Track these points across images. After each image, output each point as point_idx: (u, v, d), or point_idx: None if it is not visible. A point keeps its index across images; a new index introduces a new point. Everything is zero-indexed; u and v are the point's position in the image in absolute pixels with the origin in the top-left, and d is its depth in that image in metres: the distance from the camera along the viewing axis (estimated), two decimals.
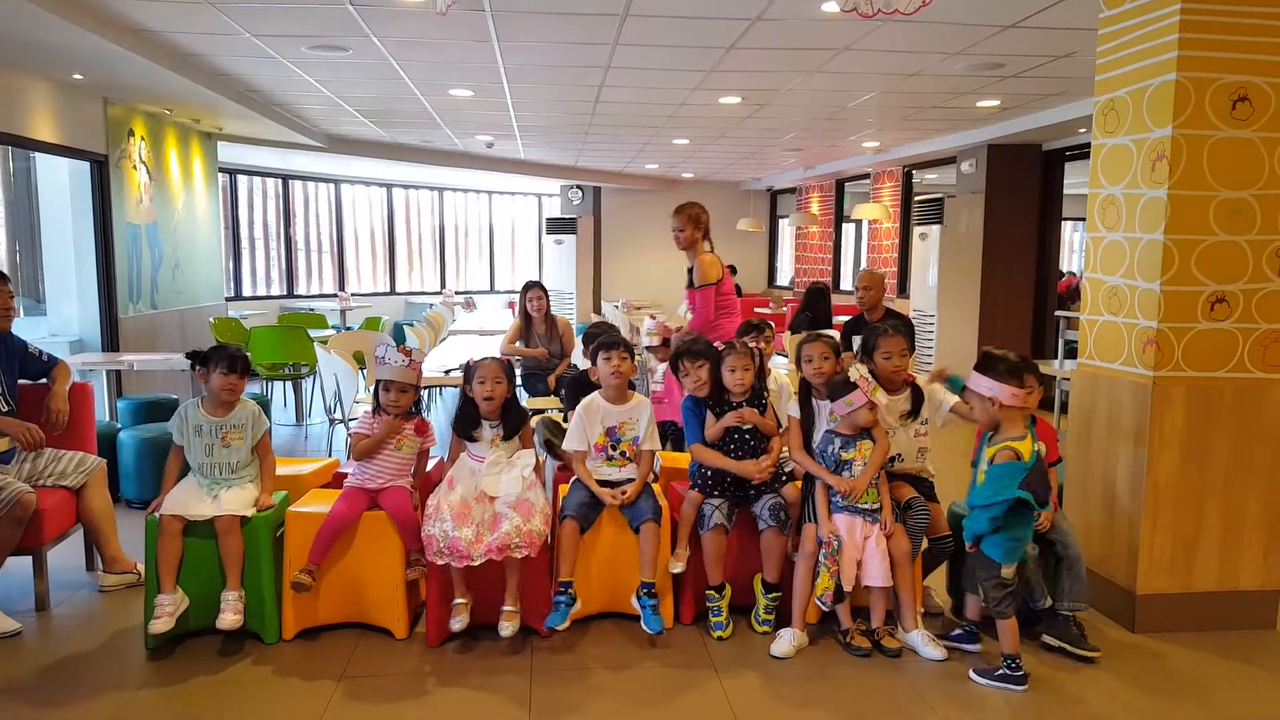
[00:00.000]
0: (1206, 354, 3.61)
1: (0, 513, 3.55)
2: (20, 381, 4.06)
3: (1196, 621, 3.71)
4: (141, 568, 3.97)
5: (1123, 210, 3.78)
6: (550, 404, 5.77)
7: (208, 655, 3.41)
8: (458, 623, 3.41)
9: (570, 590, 3.51)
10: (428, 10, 3.38)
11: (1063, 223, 9.35)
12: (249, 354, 3.70)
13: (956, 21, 4.98)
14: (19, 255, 8.08)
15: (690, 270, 5.43)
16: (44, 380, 4.13)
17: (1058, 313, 8.00)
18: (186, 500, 3.46)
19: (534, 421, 3.90)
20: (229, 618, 3.34)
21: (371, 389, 3.70)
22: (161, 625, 3.28)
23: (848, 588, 3.43)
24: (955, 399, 3.68)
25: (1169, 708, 3.13)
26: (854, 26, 5.07)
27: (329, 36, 5.56)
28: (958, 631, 3.54)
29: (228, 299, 11.00)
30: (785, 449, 3.84)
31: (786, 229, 15.54)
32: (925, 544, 3.70)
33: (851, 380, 3.46)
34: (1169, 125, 3.50)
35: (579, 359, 6.17)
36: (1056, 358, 7.48)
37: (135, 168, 7.81)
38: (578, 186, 15.45)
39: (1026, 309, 9.22)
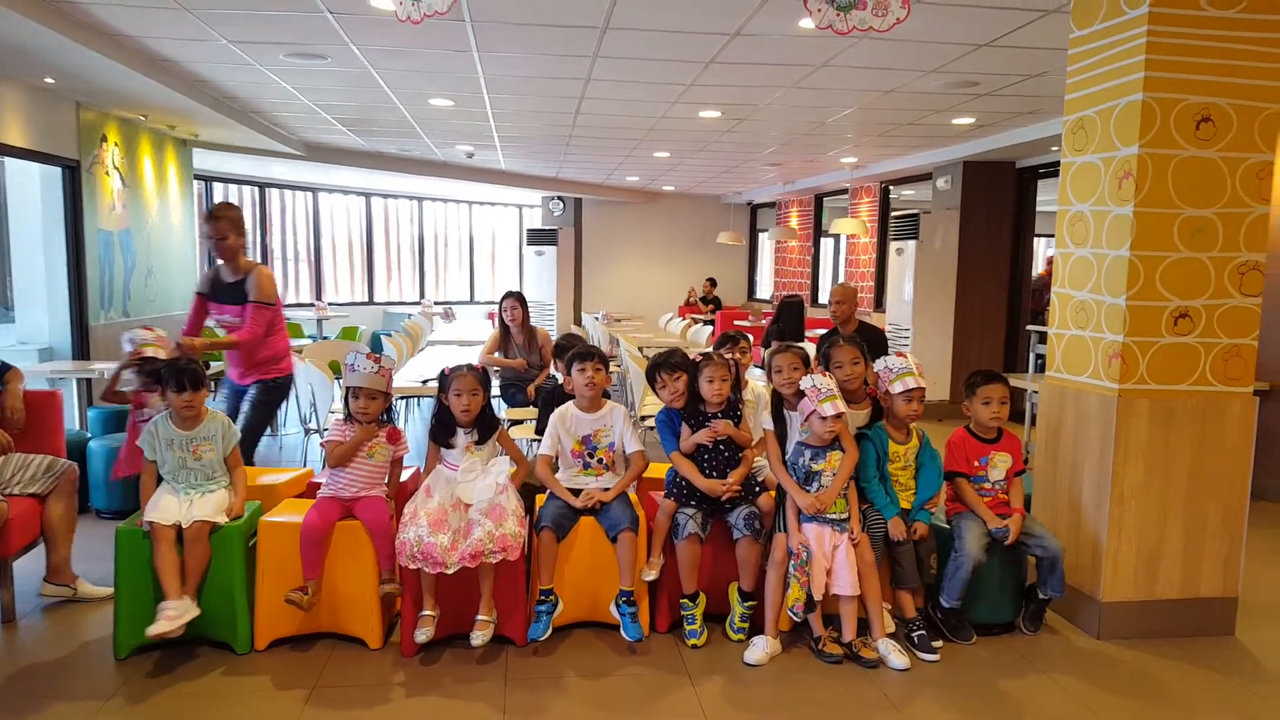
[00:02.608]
0: (1170, 367, 3.69)
1: None
2: None
3: (1159, 628, 3.79)
4: (80, 585, 3.99)
5: (1091, 227, 3.85)
6: (529, 414, 5.78)
7: (178, 666, 3.38)
8: (423, 634, 3.39)
9: (552, 597, 3.53)
10: (399, 19, 3.42)
11: (1036, 239, 9.48)
12: (198, 365, 3.69)
13: (931, 40, 5.06)
14: None
15: (237, 283, 4.59)
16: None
17: (1029, 327, 8.11)
18: (164, 507, 3.45)
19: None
20: (160, 626, 3.23)
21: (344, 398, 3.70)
22: (159, 627, 3.22)
23: (818, 597, 3.47)
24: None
25: (1131, 708, 3.19)
26: (830, 43, 5.14)
27: (307, 44, 5.57)
28: (916, 635, 3.61)
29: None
30: (761, 458, 3.89)
31: (766, 242, 15.66)
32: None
33: (802, 390, 3.53)
34: (1135, 144, 3.58)
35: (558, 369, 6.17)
36: (1028, 371, 7.57)
37: (108, 174, 7.76)
38: (559, 198, 15.49)
39: (1000, 323, 9.35)
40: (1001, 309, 9.33)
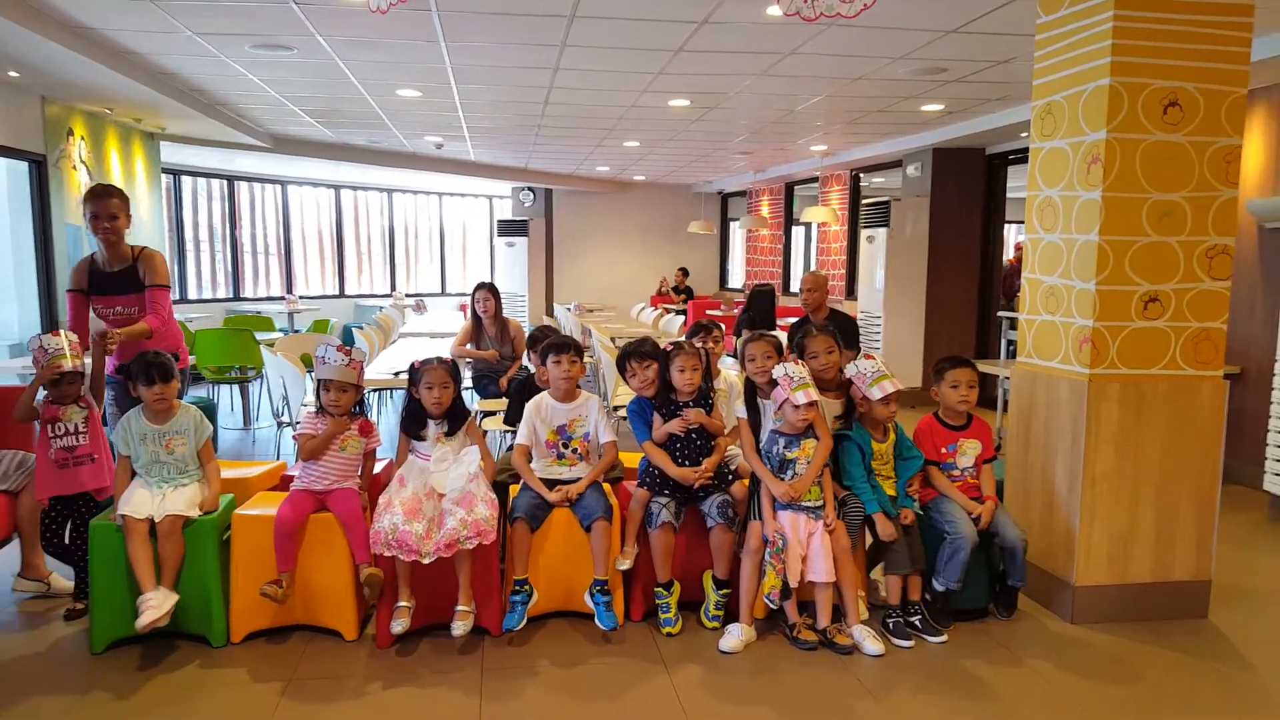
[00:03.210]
0: (1140, 352, 3.73)
1: None
2: None
3: (1132, 612, 3.83)
4: (54, 580, 3.97)
5: (1060, 212, 3.88)
6: (501, 405, 5.75)
7: (155, 659, 3.35)
8: (398, 625, 3.38)
9: (526, 587, 3.53)
10: (369, 9, 3.37)
11: (1006, 225, 9.56)
12: (167, 358, 3.64)
13: (899, 26, 5.07)
14: None
15: (125, 270, 4.22)
16: None
17: (1000, 313, 8.18)
18: (137, 501, 3.42)
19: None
20: (147, 617, 3.21)
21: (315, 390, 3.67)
22: (146, 618, 3.19)
23: (794, 584, 3.48)
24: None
25: (1104, 691, 3.23)
26: (798, 30, 5.14)
27: (273, 35, 5.49)
28: (916, 619, 3.63)
29: (175, 301, 10.77)
30: (734, 446, 3.89)
31: (737, 231, 15.68)
32: (869, 539, 3.78)
33: (775, 379, 3.54)
34: (1103, 129, 3.60)
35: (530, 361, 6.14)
36: (1000, 357, 7.64)
37: (75, 168, 7.63)
38: (529, 188, 15.42)
39: (971, 310, 9.42)
40: (972, 295, 9.40)
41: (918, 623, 3.62)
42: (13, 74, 6.27)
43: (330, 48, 5.78)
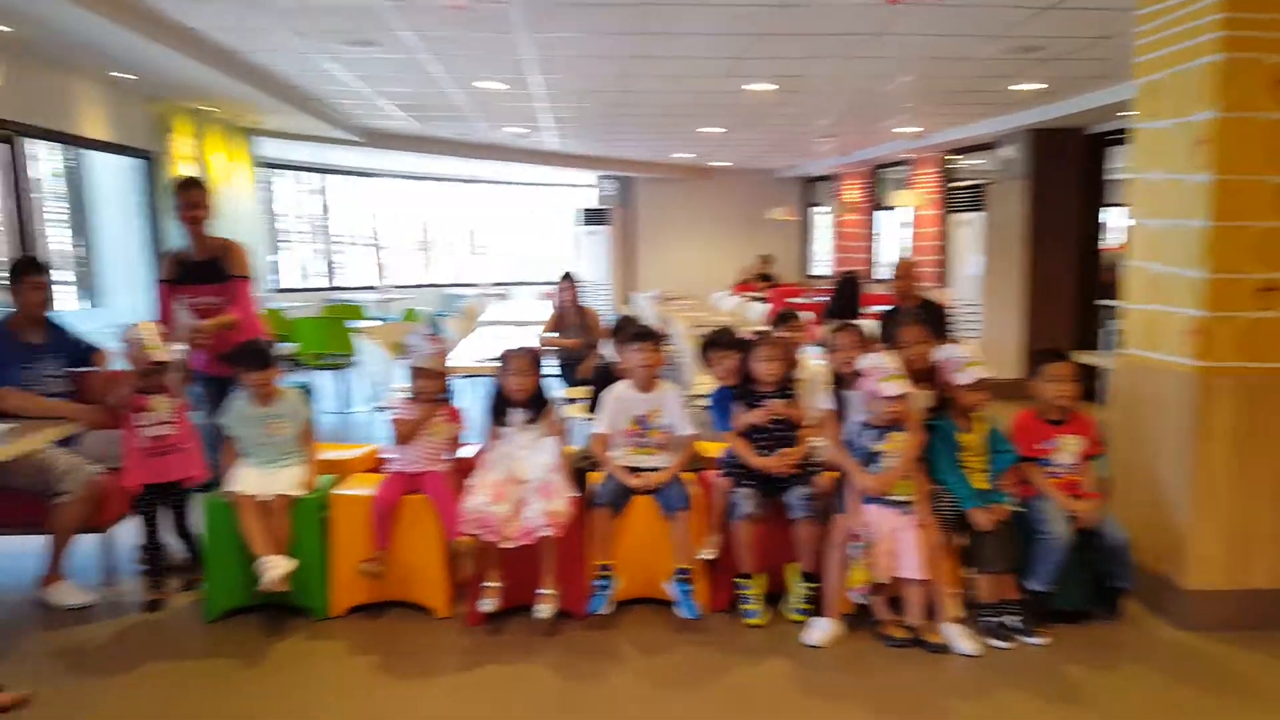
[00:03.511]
0: (1255, 343, 3.51)
1: (75, 494, 3.70)
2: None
3: (1250, 620, 3.59)
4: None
5: (1164, 196, 3.69)
6: (583, 393, 5.79)
7: (265, 629, 3.56)
8: (487, 604, 3.49)
9: (609, 573, 3.57)
10: (447, 6, 3.43)
11: (1110, 209, 9.15)
12: (266, 345, 3.86)
13: (990, 4, 4.89)
14: (75, 249, 8.26)
15: (210, 261, 4.29)
16: (86, 367, 4.18)
17: (1101, 301, 7.86)
18: (245, 480, 3.63)
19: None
20: (272, 574, 3.39)
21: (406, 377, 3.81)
22: (271, 576, 3.38)
23: (881, 580, 3.41)
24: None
25: (1211, 703, 3.08)
26: (884, 11, 5.00)
27: (359, 32, 5.61)
28: (1009, 620, 3.51)
29: (273, 291, 11.16)
30: (819, 438, 3.83)
31: (821, 217, 15.43)
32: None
33: (861, 370, 3.46)
34: (1212, 108, 3.41)
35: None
36: (1106, 348, 7.35)
37: (179, 163, 7.95)
38: (611, 177, 15.45)
39: (1072, 297, 9.01)
40: (1074, 282, 9.00)
41: (1008, 623, 3.49)
42: (124, 75, 6.57)
43: (414, 43, 5.88)
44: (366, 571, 3.57)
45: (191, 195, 4.22)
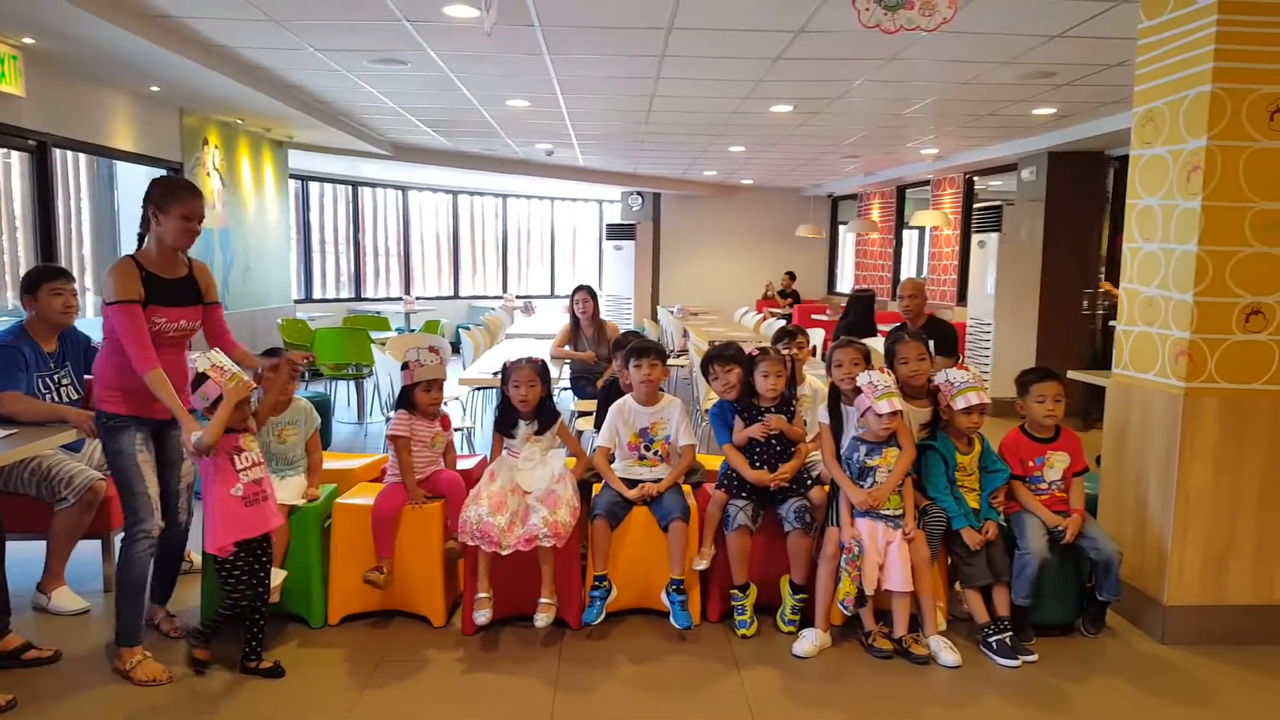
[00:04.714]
0: (1241, 366, 3.58)
1: (74, 498, 3.81)
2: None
3: (1229, 634, 3.68)
4: (195, 556, 4.16)
5: (1159, 221, 3.77)
6: (594, 406, 5.90)
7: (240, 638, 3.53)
8: (481, 616, 3.55)
9: (606, 583, 3.65)
10: (484, 30, 3.57)
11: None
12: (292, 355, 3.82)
13: (1002, 31, 4.98)
14: (101, 257, 8.51)
15: (185, 280, 3.44)
16: None
17: (1113, 323, 7.85)
18: None
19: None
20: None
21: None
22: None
23: (870, 592, 3.49)
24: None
25: (1185, 715, 3.13)
26: (898, 37, 5.10)
27: (388, 50, 5.80)
28: (996, 639, 3.55)
29: (299, 301, 11.41)
30: (815, 452, 3.92)
31: (847, 235, 15.48)
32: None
33: (859, 386, 3.55)
34: (1204, 136, 3.49)
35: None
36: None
37: (209, 174, 8.20)
38: (637, 193, 15.62)
39: (1087, 319, 9.05)
40: (1087, 304, 9.03)
41: (994, 643, 3.53)
42: (154, 88, 6.81)
43: (441, 61, 6.06)
44: (370, 580, 3.61)
45: (202, 207, 3.45)
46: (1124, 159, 8.59)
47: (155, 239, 3.34)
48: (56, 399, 4.00)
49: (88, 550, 4.09)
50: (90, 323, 5.64)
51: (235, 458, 3.17)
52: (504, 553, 3.47)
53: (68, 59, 5.78)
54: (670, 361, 4.25)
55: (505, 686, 3.27)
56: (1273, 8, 3.41)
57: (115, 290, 3.19)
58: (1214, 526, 3.65)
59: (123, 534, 3.28)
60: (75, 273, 4.44)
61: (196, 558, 4.21)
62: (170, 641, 3.56)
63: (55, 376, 4.01)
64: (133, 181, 7.65)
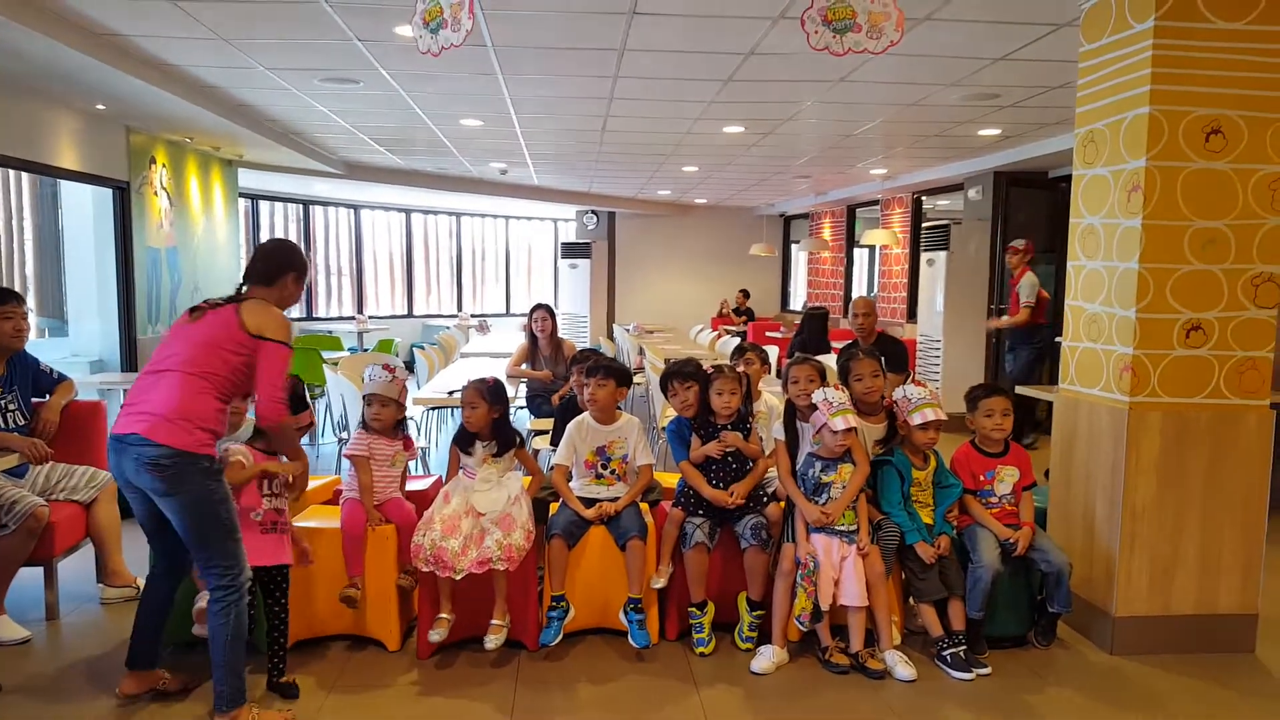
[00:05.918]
0: (1182, 380, 3.68)
1: (14, 525, 3.70)
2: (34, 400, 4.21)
3: (1175, 644, 3.77)
4: (141, 582, 4.09)
5: (1101, 239, 3.87)
6: (551, 425, 5.88)
7: (208, 663, 3.49)
8: (436, 634, 3.51)
9: (563, 604, 3.63)
10: (419, 51, 3.57)
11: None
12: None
13: (946, 54, 5.10)
14: (45, 277, 8.33)
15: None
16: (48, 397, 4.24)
17: (1058, 339, 8.02)
18: None
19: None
20: (200, 628, 3.29)
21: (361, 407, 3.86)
22: (202, 628, 3.27)
23: (825, 607, 3.52)
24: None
25: None
26: (847, 59, 5.18)
27: (340, 70, 5.76)
28: (950, 653, 3.59)
29: None
30: (772, 468, 3.94)
31: (799, 254, 15.67)
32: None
33: (814, 403, 3.59)
34: (1143, 157, 3.59)
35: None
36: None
37: (156, 194, 8.05)
38: (592, 211, 15.67)
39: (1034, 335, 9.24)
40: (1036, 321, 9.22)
41: (949, 656, 3.56)
42: (100, 106, 6.68)
43: (394, 81, 6.03)
44: (347, 598, 3.54)
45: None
46: (1067, 178, 8.80)
47: (276, 298, 3.28)
48: (2, 424, 3.90)
49: (29, 578, 3.96)
50: (35, 344, 5.51)
51: (264, 482, 3.26)
52: (457, 577, 3.44)
53: (8, 75, 5.65)
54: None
55: (460, 712, 3.22)
56: (1207, 33, 3.54)
57: (288, 334, 3.14)
58: (1160, 538, 3.73)
59: (214, 588, 2.99)
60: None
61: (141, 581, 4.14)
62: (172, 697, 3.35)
63: (2, 401, 3.91)
64: (76, 201, 7.50)
